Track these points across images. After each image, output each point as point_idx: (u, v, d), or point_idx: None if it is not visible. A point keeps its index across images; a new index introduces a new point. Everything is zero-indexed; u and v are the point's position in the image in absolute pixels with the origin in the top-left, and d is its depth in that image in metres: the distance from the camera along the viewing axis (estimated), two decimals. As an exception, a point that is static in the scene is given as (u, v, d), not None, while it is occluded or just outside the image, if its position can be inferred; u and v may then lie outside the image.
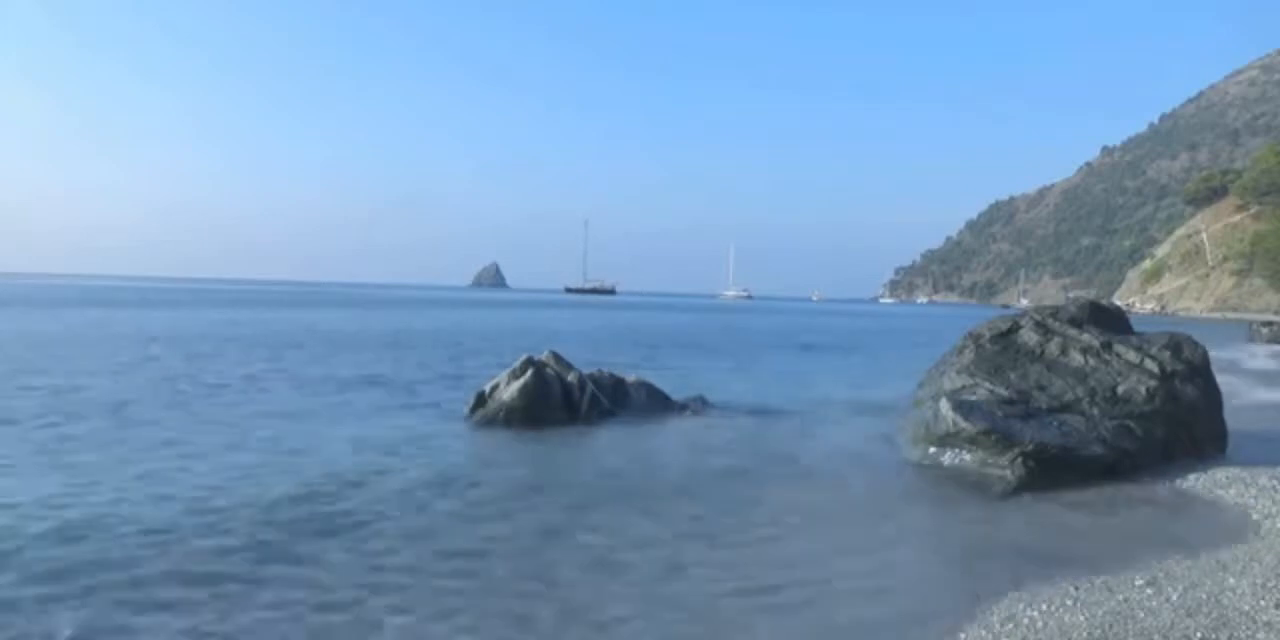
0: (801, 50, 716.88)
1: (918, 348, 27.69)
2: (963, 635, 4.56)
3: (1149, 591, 5.05)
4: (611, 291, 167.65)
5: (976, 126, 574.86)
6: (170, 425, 10.67)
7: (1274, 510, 7.00)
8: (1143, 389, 8.96)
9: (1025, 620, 4.68)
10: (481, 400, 11.79)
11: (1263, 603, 4.77)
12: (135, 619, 4.68)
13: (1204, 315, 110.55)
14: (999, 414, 8.54)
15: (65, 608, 4.78)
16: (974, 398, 8.98)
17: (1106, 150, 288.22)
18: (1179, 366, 9.37)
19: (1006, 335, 10.08)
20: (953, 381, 9.51)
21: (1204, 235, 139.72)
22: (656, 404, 12.83)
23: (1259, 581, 5.12)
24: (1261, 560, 5.59)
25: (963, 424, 8.34)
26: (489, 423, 11.30)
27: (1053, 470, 7.99)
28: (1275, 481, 7.81)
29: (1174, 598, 4.92)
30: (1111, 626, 4.50)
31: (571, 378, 12.19)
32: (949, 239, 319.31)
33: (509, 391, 11.57)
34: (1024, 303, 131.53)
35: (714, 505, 7.48)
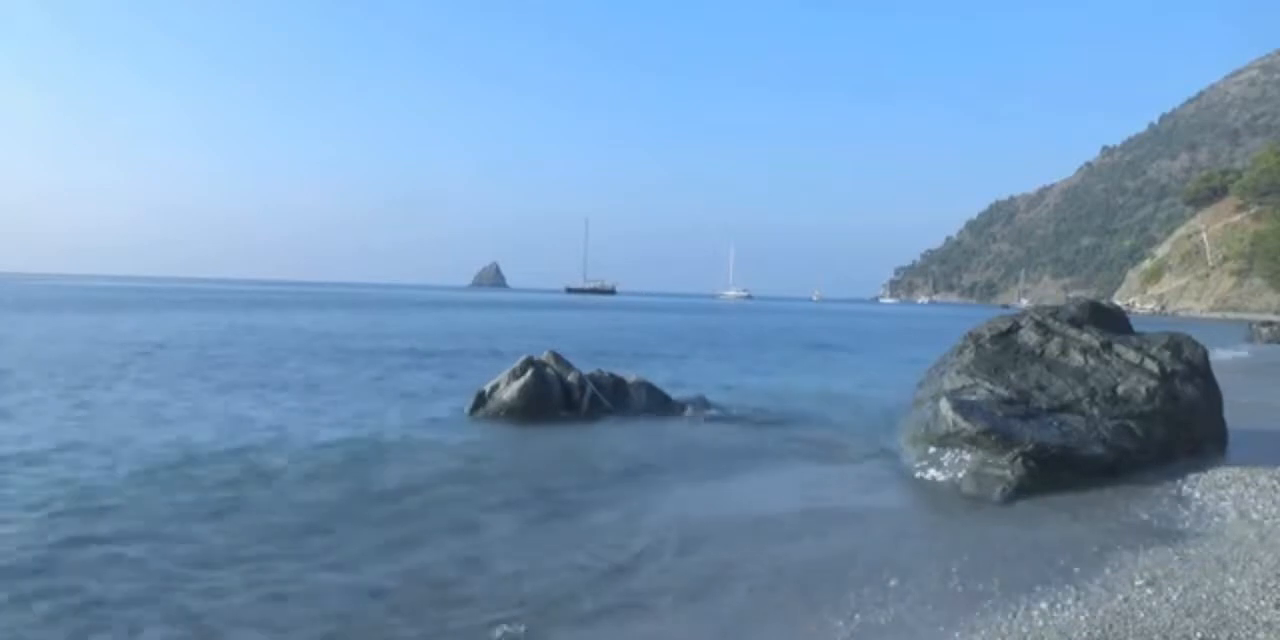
0: (802, 50, 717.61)
1: (918, 347, 27.67)
2: (958, 635, 4.56)
3: (1149, 591, 5.05)
4: (612, 291, 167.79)
5: (976, 126, 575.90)
6: (169, 421, 10.69)
7: (1274, 510, 7.00)
8: (1143, 389, 8.96)
9: (1025, 620, 4.68)
10: (481, 400, 11.80)
11: (1263, 603, 4.77)
12: (124, 613, 4.70)
13: (1204, 315, 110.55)
14: (999, 414, 8.53)
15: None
16: (974, 398, 8.97)
17: (1106, 150, 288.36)
18: (1179, 366, 9.37)
19: (1006, 335, 10.07)
20: (952, 381, 9.50)
21: (1204, 235, 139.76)
22: (656, 404, 12.83)
23: (1259, 581, 5.12)
24: (1261, 560, 5.58)
25: (963, 424, 8.33)
26: (488, 422, 11.31)
27: (1053, 470, 7.98)
28: (1275, 481, 7.80)
29: (1174, 598, 4.91)
30: (1111, 626, 4.50)
31: (571, 378, 12.20)
32: (949, 239, 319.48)
33: (509, 391, 11.58)
34: (1024, 303, 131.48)
35: (708, 508, 7.48)
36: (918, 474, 8.58)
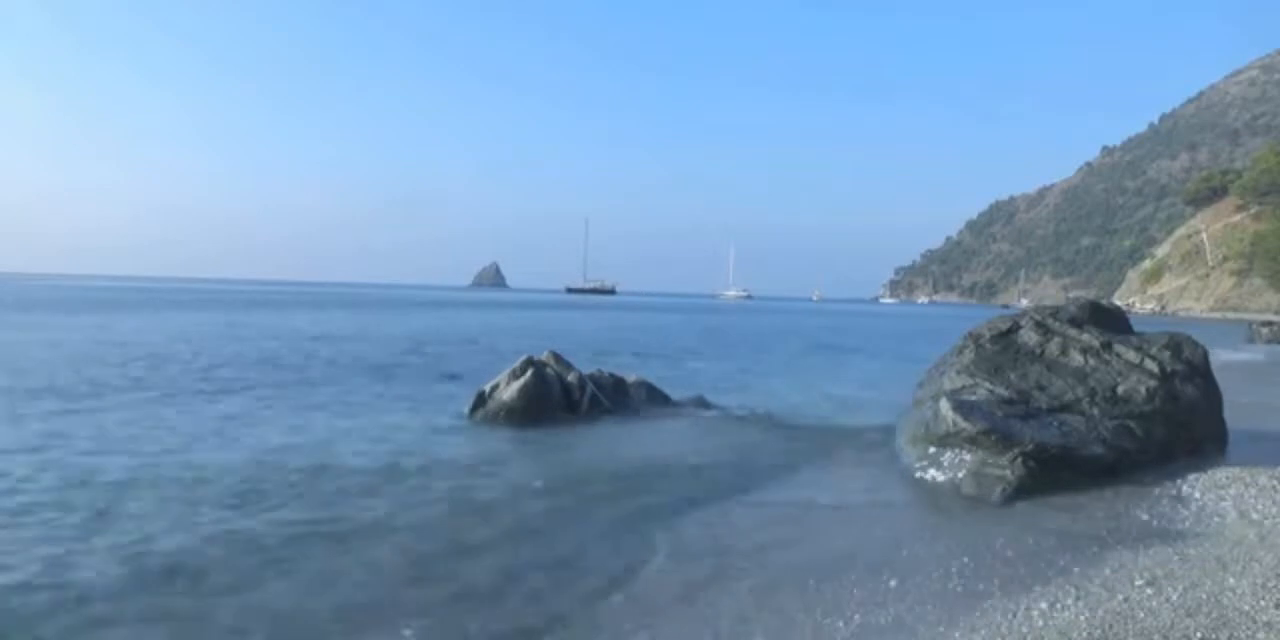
0: (802, 50, 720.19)
1: (918, 347, 27.68)
2: (958, 635, 4.56)
3: (1149, 591, 5.05)
4: (612, 291, 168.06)
5: (976, 126, 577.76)
6: (166, 420, 10.67)
7: (1274, 510, 7.00)
8: (1143, 389, 8.95)
9: (1025, 620, 4.68)
10: (481, 400, 11.79)
11: (1263, 603, 4.76)
12: (111, 616, 4.69)
13: (1204, 315, 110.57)
14: (999, 414, 8.53)
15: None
16: (974, 398, 8.97)
17: (1106, 150, 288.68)
18: (1179, 366, 9.36)
19: (1006, 335, 10.07)
20: (952, 381, 9.50)
21: (1204, 235, 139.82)
22: (656, 404, 12.84)
23: (1259, 581, 5.12)
24: (1261, 560, 5.58)
25: (963, 424, 8.32)
26: (489, 422, 11.30)
27: (1053, 470, 7.98)
28: (1275, 481, 7.80)
29: (1174, 598, 4.91)
30: (1111, 626, 4.49)
31: (571, 378, 12.19)
32: (949, 239, 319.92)
33: (509, 391, 11.57)
34: (1024, 303, 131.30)
35: (707, 508, 7.47)
36: (918, 474, 8.57)
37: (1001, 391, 9.05)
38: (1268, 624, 4.47)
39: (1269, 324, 44.67)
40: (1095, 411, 8.73)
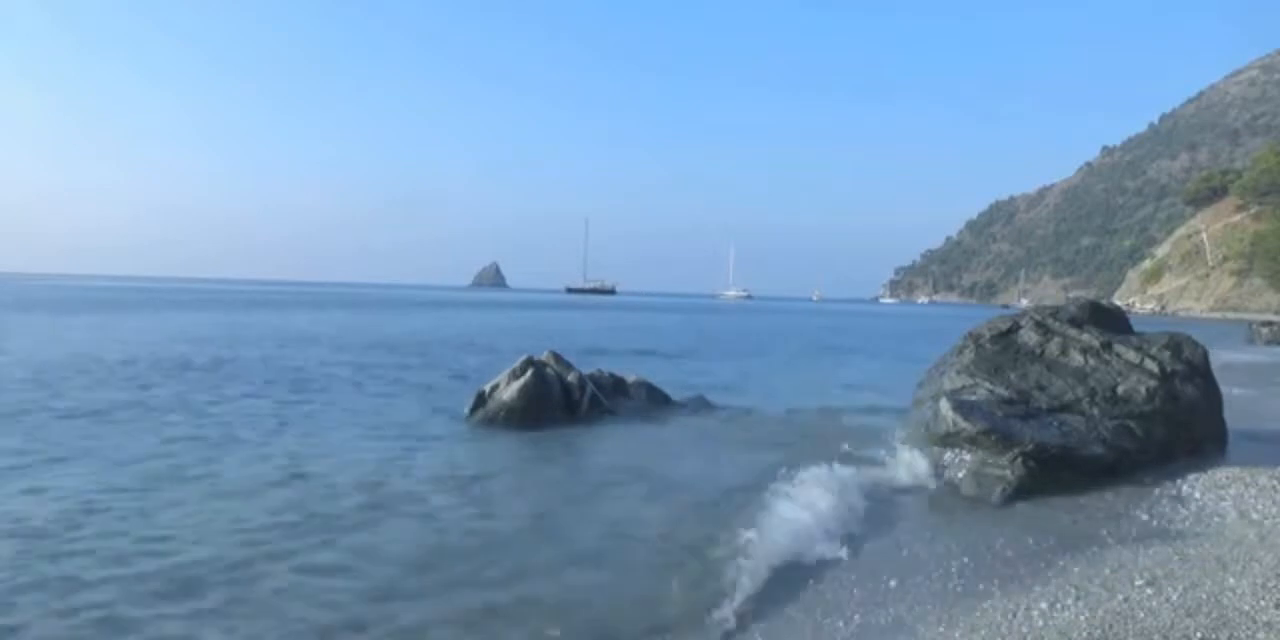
0: (802, 50, 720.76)
1: (919, 347, 27.66)
2: (958, 635, 4.55)
3: (1149, 591, 5.05)
4: (612, 291, 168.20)
5: (976, 126, 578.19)
6: (166, 420, 10.66)
7: (1274, 510, 6.99)
8: (1143, 389, 8.95)
9: (1025, 620, 4.68)
10: (481, 400, 11.78)
11: (1263, 603, 4.76)
12: (123, 617, 4.68)
13: (1204, 315, 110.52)
14: (999, 414, 8.53)
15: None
16: (974, 398, 8.96)
17: (1106, 150, 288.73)
18: (1179, 366, 9.36)
19: (1006, 335, 10.06)
20: (952, 381, 9.49)
21: (1204, 235, 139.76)
22: (657, 404, 12.84)
23: (1259, 581, 5.11)
24: (1261, 560, 5.57)
25: (963, 424, 8.32)
26: (489, 423, 11.29)
27: (1053, 470, 7.98)
28: (1275, 481, 7.79)
29: (1174, 598, 4.91)
30: (1111, 626, 4.49)
31: (571, 378, 12.19)
32: (949, 239, 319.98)
33: (509, 392, 11.56)
34: (1024, 303, 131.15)
35: (706, 509, 7.46)
36: (916, 474, 8.55)
37: (1001, 391, 9.05)
38: (1268, 624, 4.47)
39: (1269, 324, 44.62)
40: (1095, 411, 8.73)
